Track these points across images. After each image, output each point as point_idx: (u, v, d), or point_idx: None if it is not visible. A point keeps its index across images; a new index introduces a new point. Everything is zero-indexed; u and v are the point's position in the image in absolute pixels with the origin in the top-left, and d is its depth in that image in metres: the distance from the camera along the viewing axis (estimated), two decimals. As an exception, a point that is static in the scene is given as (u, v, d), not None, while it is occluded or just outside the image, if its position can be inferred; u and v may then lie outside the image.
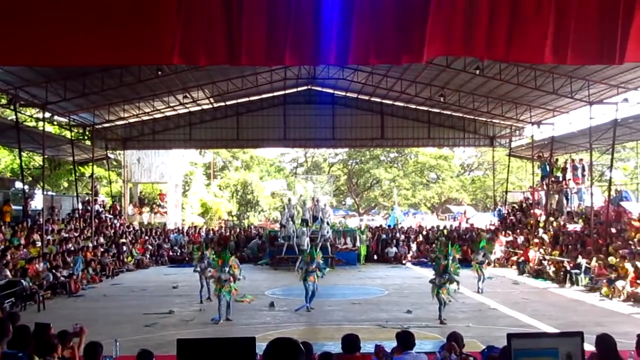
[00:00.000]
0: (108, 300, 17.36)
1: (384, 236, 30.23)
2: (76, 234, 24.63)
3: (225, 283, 13.41)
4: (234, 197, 47.82)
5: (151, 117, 30.58)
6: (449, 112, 31.13)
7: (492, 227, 30.03)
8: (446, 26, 5.76)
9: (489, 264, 19.35)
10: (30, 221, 22.29)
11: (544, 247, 23.11)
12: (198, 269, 16.43)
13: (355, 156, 55.75)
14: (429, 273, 18.07)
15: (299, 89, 31.21)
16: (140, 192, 36.31)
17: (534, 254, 22.88)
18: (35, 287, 16.53)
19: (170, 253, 28.89)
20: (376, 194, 54.22)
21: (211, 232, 32.62)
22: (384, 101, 31.15)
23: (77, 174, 30.22)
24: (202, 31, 5.70)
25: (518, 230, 27.32)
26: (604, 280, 17.35)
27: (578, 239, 21.91)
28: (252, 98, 30.87)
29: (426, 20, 5.64)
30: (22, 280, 16.31)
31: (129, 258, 26.05)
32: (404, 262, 28.01)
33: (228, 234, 31.64)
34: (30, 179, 31.49)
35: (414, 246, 29.68)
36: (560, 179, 26.96)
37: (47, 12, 5.50)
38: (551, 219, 26.07)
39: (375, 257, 28.98)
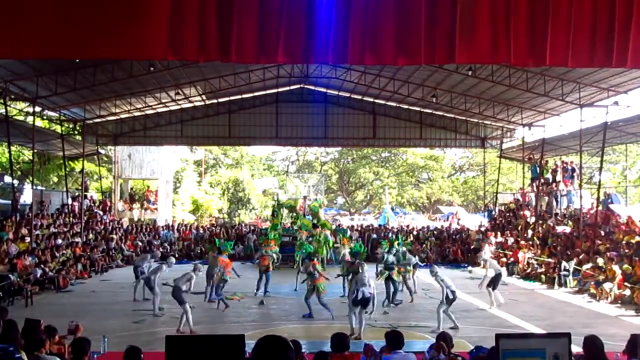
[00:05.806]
0: (97, 296, 17.26)
1: (374, 236, 30.14)
2: (65, 230, 24.47)
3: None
4: (225, 195, 47.71)
5: (142, 113, 30.41)
6: (440, 113, 31.20)
7: (483, 228, 30.16)
8: (447, 30, 5.78)
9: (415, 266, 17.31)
10: (19, 216, 22.12)
11: (533, 249, 23.24)
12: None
13: (347, 155, 55.74)
14: (418, 272, 18.16)
15: (292, 87, 31.17)
16: (131, 189, 36.12)
17: (523, 255, 22.99)
18: (23, 282, 16.41)
19: (160, 250, 28.72)
20: (365, 192, 54.25)
21: (201, 229, 32.51)
22: (377, 101, 31.17)
23: (67, 169, 30.01)
24: (195, 28, 5.70)
25: (508, 232, 27.43)
26: (592, 282, 17.49)
27: (567, 241, 22.05)
28: (244, 95, 30.79)
29: (429, 23, 5.67)
30: (10, 275, 16.20)
31: (117, 255, 25.87)
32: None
33: (218, 231, 31.53)
34: (19, 173, 31.25)
35: (404, 246, 29.62)
36: (550, 180, 27.13)
37: (41, 5, 5.47)
38: (541, 220, 26.23)
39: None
